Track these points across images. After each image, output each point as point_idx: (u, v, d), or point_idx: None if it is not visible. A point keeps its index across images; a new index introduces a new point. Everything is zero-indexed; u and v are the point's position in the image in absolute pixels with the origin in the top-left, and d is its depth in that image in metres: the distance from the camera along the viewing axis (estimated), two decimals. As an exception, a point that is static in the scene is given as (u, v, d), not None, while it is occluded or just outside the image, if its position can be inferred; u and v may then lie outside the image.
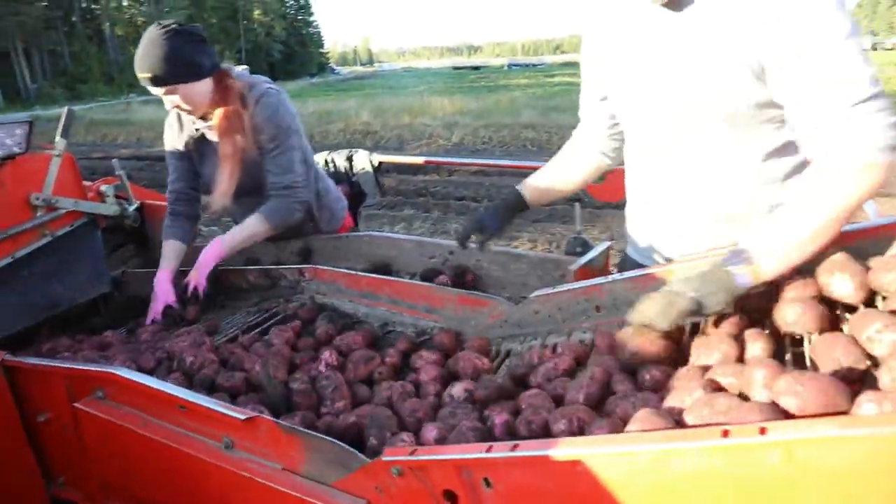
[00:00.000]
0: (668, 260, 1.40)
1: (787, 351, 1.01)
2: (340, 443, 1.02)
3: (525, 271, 1.79)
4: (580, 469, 0.78)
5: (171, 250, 2.11)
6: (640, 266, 1.45)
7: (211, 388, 1.39)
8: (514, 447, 0.83)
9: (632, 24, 1.32)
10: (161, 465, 1.28)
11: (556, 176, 1.65)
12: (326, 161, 3.34)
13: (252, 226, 2.02)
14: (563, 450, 0.78)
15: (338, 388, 1.30)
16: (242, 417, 1.10)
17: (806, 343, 1.01)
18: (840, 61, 1.05)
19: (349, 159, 3.19)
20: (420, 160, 3.23)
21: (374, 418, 1.14)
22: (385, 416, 1.15)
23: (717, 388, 0.93)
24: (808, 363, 0.95)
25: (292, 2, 76.44)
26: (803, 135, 1.12)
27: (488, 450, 0.85)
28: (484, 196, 7.24)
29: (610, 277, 1.39)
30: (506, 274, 1.83)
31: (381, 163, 3.17)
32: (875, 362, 0.88)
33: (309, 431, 1.06)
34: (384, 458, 0.94)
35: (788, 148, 1.23)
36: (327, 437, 1.03)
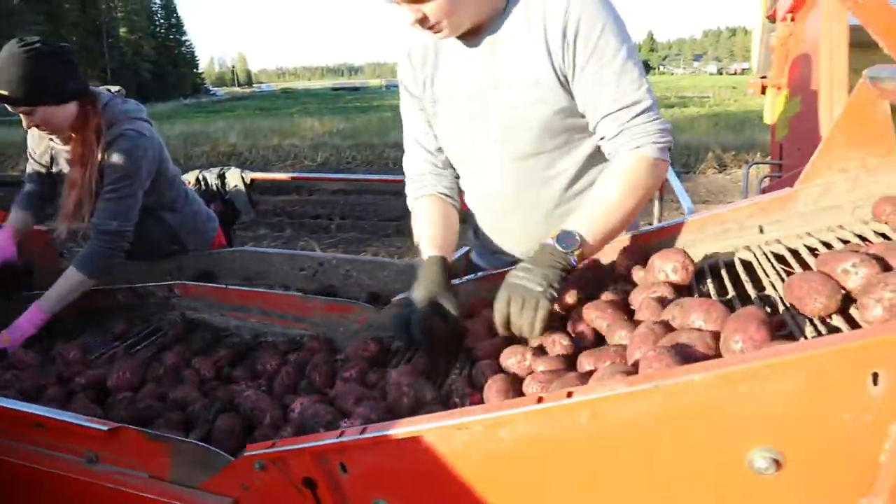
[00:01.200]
0: (507, 262, 1.53)
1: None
2: (204, 444, 1.06)
3: (392, 278, 1.89)
4: (422, 445, 0.88)
5: (14, 216, 2.06)
6: (484, 270, 1.59)
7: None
8: (363, 430, 0.91)
9: (443, 56, 1.46)
10: (24, 487, 1.26)
11: (447, 228, 1.50)
12: (198, 179, 3.31)
13: (66, 279, 1.88)
14: (404, 428, 0.87)
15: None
16: (105, 429, 1.12)
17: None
18: (624, 79, 1.29)
19: (221, 177, 3.18)
20: (288, 176, 3.25)
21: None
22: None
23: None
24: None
25: (162, 21, 73.41)
26: (599, 139, 1.36)
27: (340, 435, 0.92)
28: (345, 214, 7.35)
29: (465, 279, 1.51)
30: (373, 281, 1.92)
31: (253, 180, 3.18)
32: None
33: (173, 436, 1.10)
34: (246, 454, 0.99)
35: (593, 158, 1.45)
36: (191, 440, 1.07)
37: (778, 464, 0.77)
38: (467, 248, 1.84)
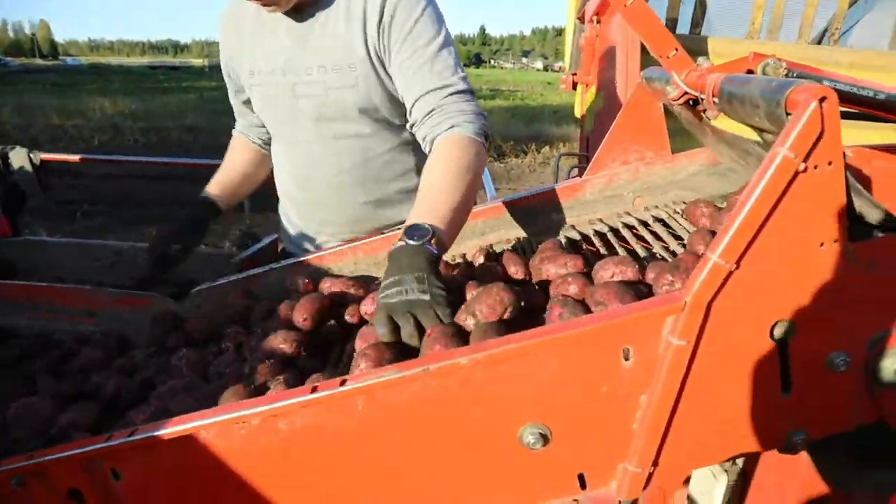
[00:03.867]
0: (320, 246, 1.51)
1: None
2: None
3: (198, 267, 1.78)
4: (199, 443, 0.83)
5: None
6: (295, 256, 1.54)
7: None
8: (132, 432, 0.85)
9: (263, 29, 1.41)
10: None
11: (238, 172, 1.67)
12: (-23, 161, 2.94)
13: None
14: (177, 426, 0.82)
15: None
16: None
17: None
18: (438, 65, 1.29)
19: (3, 157, 2.85)
20: (87, 158, 2.97)
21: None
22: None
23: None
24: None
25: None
26: (411, 126, 1.34)
27: (107, 439, 0.85)
28: (136, 200, 6.74)
29: (266, 267, 1.46)
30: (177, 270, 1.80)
31: (42, 160, 2.88)
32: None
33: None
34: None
35: (415, 143, 1.43)
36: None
37: (545, 438, 0.81)
38: (276, 236, 1.78)
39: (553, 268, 1.08)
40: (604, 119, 2.87)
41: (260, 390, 0.97)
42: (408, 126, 1.38)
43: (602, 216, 1.40)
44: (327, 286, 1.25)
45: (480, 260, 1.28)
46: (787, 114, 0.73)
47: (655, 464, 0.83)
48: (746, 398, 0.81)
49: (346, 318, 1.16)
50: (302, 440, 0.82)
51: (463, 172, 1.19)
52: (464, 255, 1.40)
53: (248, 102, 1.57)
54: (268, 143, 1.65)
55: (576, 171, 3.32)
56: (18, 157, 2.82)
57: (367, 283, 1.28)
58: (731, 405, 0.81)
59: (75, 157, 2.93)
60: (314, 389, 0.79)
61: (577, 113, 3.53)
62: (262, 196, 1.90)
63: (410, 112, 1.33)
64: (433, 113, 1.29)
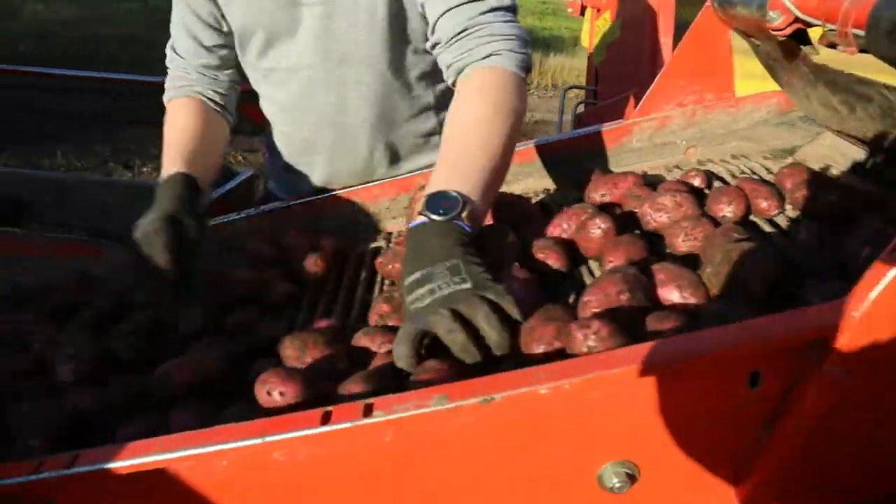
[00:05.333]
0: (320, 190, 1.25)
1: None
2: None
3: (120, 202, 1.51)
4: (164, 478, 0.61)
5: None
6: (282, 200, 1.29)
7: None
8: (74, 459, 0.62)
9: None
10: None
11: (200, 145, 1.13)
12: None
13: None
14: (136, 458, 0.60)
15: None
16: None
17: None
18: None
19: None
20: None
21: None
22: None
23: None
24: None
25: None
26: (434, 48, 1.04)
27: (38, 468, 0.63)
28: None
29: (244, 213, 1.21)
30: (134, 210, 1.54)
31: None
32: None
33: None
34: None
35: (438, 74, 1.14)
36: None
37: (632, 479, 0.62)
38: (250, 173, 1.52)
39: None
40: (619, 51, 2.60)
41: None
42: (428, 46, 1.08)
43: (648, 167, 1.18)
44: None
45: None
46: None
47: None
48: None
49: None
50: (304, 475, 0.61)
51: (503, 117, 0.91)
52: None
53: (212, 26, 1.18)
54: (224, 103, 1.24)
55: (582, 107, 3.06)
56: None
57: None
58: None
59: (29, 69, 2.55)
60: (327, 419, 0.57)
61: (585, 42, 3.21)
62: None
63: (433, 30, 1.03)
64: (465, 34, 0.99)
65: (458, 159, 0.88)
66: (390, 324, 0.84)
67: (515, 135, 0.93)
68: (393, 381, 0.67)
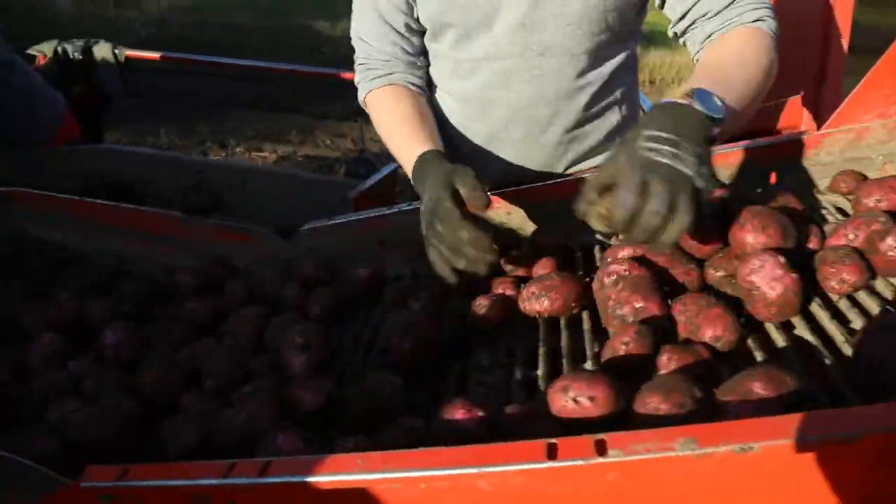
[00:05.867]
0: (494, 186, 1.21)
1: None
2: (15, 458, 0.71)
3: (299, 195, 1.52)
4: (357, 497, 0.58)
5: None
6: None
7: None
8: (265, 467, 0.60)
9: None
10: None
11: (433, 127, 1.14)
12: (57, 52, 2.70)
13: None
14: (341, 475, 0.57)
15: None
16: None
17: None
18: None
19: (86, 51, 2.59)
20: (174, 57, 2.69)
21: None
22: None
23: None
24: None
25: None
26: (703, 15, 1.03)
27: (230, 471, 0.61)
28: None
29: (396, 207, 1.19)
30: (275, 198, 1.55)
31: (128, 58, 2.62)
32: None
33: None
34: (82, 485, 0.66)
35: (631, 60, 1.18)
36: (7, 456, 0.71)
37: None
38: (394, 166, 1.50)
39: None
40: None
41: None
42: (674, 26, 1.07)
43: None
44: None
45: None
46: None
47: None
48: None
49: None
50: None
51: (762, 67, 0.94)
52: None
53: (405, 13, 1.14)
54: (422, 85, 1.22)
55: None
56: (102, 52, 2.56)
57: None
58: None
59: (156, 55, 2.65)
60: (553, 454, 0.52)
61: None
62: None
63: (689, 8, 1.03)
64: (734, 4, 0.99)
65: (719, 77, 0.88)
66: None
67: (765, 89, 0.95)
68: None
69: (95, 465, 0.68)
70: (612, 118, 1.20)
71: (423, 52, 1.21)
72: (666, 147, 0.73)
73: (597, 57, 1.11)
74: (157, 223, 1.35)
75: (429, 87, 1.25)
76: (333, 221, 1.21)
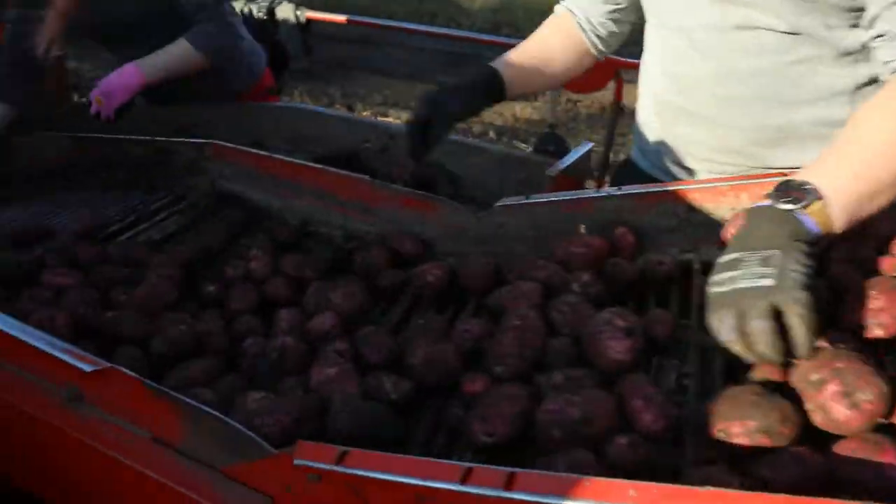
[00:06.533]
0: (688, 173, 1.10)
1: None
2: (237, 425, 0.69)
3: (485, 169, 1.45)
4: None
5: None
6: (647, 176, 1.16)
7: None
8: (510, 479, 0.52)
9: None
10: None
11: (538, 56, 1.23)
12: (242, 12, 2.81)
13: (176, 47, 1.58)
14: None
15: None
16: (88, 369, 0.74)
17: None
18: None
19: (270, 12, 2.66)
20: (357, 20, 2.72)
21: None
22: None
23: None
24: None
25: None
26: (885, 33, 0.87)
27: (466, 477, 0.54)
28: (420, 74, 5.44)
29: (605, 191, 1.08)
30: (458, 170, 1.48)
31: (309, 19, 2.67)
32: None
33: (191, 402, 0.72)
34: (296, 462, 0.62)
35: (865, 53, 0.96)
36: (215, 414, 0.70)
37: None
38: (590, 145, 1.39)
39: None
40: None
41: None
42: (863, 33, 0.92)
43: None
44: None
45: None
46: None
47: None
48: None
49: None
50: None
51: None
52: None
53: None
54: (608, 38, 1.21)
55: None
56: (285, 12, 2.62)
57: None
58: None
59: (342, 18, 2.69)
60: None
61: None
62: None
63: (875, 17, 0.87)
64: None
65: (841, 153, 0.79)
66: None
67: None
68: None
69: (308, 442, 0.65)
70: (835, 110, 1.03)
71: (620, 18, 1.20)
72: (724, 275, 0.69)
73: (809, 35, 0.97)
74: (346, 186, 1.33)
75: None
76: (533, 199, 1.13)
